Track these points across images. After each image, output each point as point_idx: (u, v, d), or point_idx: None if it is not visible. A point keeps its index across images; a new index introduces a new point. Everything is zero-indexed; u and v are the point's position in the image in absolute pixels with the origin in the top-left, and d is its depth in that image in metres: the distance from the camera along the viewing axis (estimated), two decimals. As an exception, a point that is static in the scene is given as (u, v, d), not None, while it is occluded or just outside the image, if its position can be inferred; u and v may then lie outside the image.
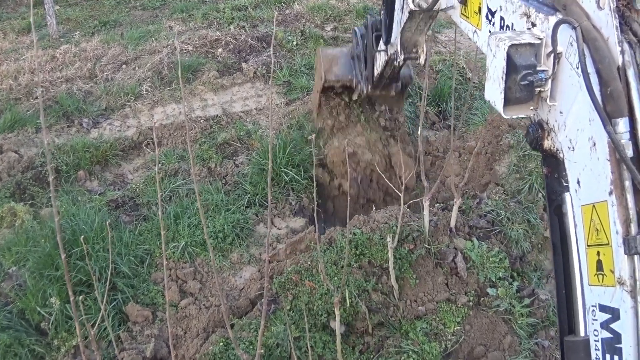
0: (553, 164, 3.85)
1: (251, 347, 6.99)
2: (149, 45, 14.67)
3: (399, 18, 6.96)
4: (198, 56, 14.02)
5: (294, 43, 14.76)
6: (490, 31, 4.39)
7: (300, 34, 15.15)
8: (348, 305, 7.36)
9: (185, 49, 14.29)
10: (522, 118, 4.01)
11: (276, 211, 9.69)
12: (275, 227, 9.43)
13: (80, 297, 7.49)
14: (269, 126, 11.64)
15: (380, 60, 8.43)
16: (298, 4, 17.23)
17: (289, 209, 9.78)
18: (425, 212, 8.28)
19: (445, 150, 10.99)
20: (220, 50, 14.31)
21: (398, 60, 7.51)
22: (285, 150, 10.28)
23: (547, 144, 3.82)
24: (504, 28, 4.21)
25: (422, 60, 7.40)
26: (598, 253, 3.34)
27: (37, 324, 7.84)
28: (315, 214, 5.79)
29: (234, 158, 10.96)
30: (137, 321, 7.93)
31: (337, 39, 15.43)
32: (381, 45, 8.16)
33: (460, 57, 13.86)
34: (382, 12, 7.75)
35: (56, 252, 8.01)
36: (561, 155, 3.69)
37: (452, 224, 8.72)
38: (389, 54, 7.87)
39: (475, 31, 4.85)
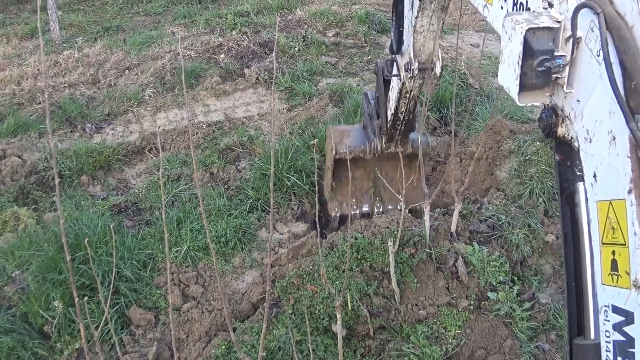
0: (566, 151, 3.66)
1: (253, 351, 7.01)
2: (152, 51, 14.73)
3: (410, 19, 6.84)
4: (200, 62, 14.07)
5: (296, 49, 14.82)
6: (502, 7, 4.21)
7: (302, 39, 15.22)
8: (350, 308, 7.38)
9: (188, 55, 14.32)
10: (524, 112, 3.96)
11: (278, 216, 9.72)
12: (278, 232, 9.45)
13: (85, 299, 7.56)
14: (271, 132, 11.68)
15: (395, 90, 8.10)
16: (300, 10, 17.31)
17: (290, 213, 9.81)
18: (426, 217, 8.27)
19: (446, 155, 11.01)
20: (222, 55, 14.36)
21: (412, 69, 7.16)
22: (287, 155, 10.31)
23: (560, 131, 3.64)
24: (517, 5, 4.00)
25: (438, 70, 7.15)
26: (613, 252, 3.16)
27: (40, 327, 7.86)
28: (317, 219, 5.79)
29: (237, 163, 11.01)
30: (139, 325, 7.97)
31: (339, 44, 15.50)
32: (394, 69, 7.95)
33: (461, 63, 13.90)
34: (392, 20, 7.66)
35: (59, 256, 8.06)
36: (576, 144, 3.51)
37: (453, 228, 8.72)
38: (402, 65, 7.58)
39: (485, 5, 4.56)
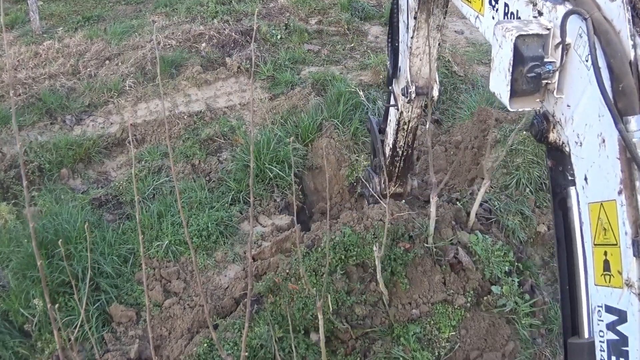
0: (558, 157, 3.76)
1: (235, 348, 6.95)
2: (132, 41, 14.60)
3: (405, 42, 6.80)
4: (182, 51, 13.96)
5: (278, 37, 14.74)
6: (493, 17, 4.30)
7: (284, 27, 15.14)
8: (330, 313, 7.28)
9: (169, 44, 14.22)
10: (512, 112, 3.98)
11: (261, 208, 9.65)
12: (260, 224, 9.38)
13: (61, 299, 7.49)
14: (253, 122, 11.61)
15: (392, 123, 7.99)
16: (282, -3, 17.20)
17: (273, 205, 9.74)
18: (432, 209, 7.98)
19: (431, 144, 10.95)
20: (203, 44, 14.25)
21: (409, 92, 7.01)
22: (270, 146, 10.23)
23: (552, 136, 3.73)
24: (508, 15, 4.10)
25: (435, 94, 7.01)
26: (605, 253, 3.27)
27: (20, 325, 7.80)
28: (294, 216, 5.72)
29: (218, 154, 10.94)
30: (121, 322, 7.90)
31: (321, 32, 15.44)
32: (391, 100, 7.81)
33: (445, 50, 13.84)
34: (387, 45, 7.57)
35: (39, 252, 7.98)
36: (567, 149, 3.60)
37: (474, 212, 8.64)
38: (398, 92, 7.44)
39: (477, 16, 4.68)
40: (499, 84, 3.66)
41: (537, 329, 7.94)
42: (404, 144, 7.96)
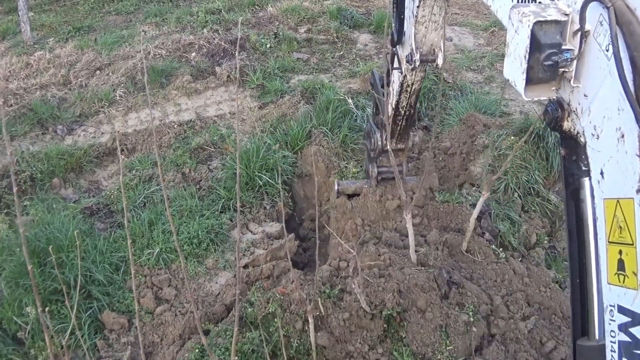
0: (572, 146, 3.55)
1: (227, 354, 6.99)
2: (123, 51, 14.66)
3: (411, 9, 6.66)
4: (172, 60, 14.02)
5: (267, 46, 14.81)
6: None
7: (273, 36, 15.21)
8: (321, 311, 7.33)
9: (159, 54, 14.28)
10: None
11: (250, 216, 9.70)
12: (251, 231, 9.43)
13: (53, 307, 7.53)
14: (243, 130, 11.66)
15: (395, 85, 7.92)
16: (271, 7, 17.26)
17: (263, 213, 9.79)
18: (409, 225, 7.76)
19: (420, 151, 10.99)
20: (193, 54, 14.32)
21: (414, 60, 6.86)
22: (259, 154, 10.29)
23: (566, 125, 3.54)
24: None
25: (440, 61, 6.87)
26: (620, 252, 3.09)
27: (14, 333, 7.83)
28: (283, 224, 5.75)
29: (208, 163, 10.99)
30: (113, 329, 7.95)
31: (310, 40, 15.49)
32: (395, 63, 7.72)
33: (433, 57, 13.90)
34: (392, 9, 7.35)
35: (31, 261, 8.03)
36: (582, 139, 3.41)
37: (474, 216, 8.39)
38: (403, 57, 7.33)
39: None
40: (514, 71, 3.51)
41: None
42: (407, 104, 7.89)
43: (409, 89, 7.58)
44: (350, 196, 9.40)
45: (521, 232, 9.23)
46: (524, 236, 9.25)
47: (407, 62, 7.07)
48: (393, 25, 7.42)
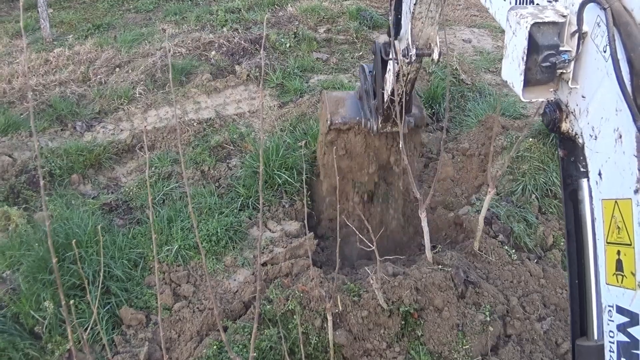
0: (570, 147, 3.59)
1: (244, 350, 6.98)
2: (142, 48, 14.68)
3: (408, 5, 6.71)
4: (191, 59, 14.04)
5: (287, 45, 14.79)
6: None
7: (293, 36, 15.19)
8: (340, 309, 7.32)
9: (179, 52, 14.30)
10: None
11: (269, 214, 9.69)
12: (269, 230, 9.42)
13: (72, 301, 7.52)
14: (262, 129, 11.65)
15: (391, 73, 7.93)
16: (291, 6, 17.27)
17: (282, 211, 9.77)
18: (424, 223, 7.74)
19: (438, 151, 10.97)
20: (213, 52, 14.32)
21: (410, 55, 6.98)
22: (278, 152, 10.28)
23: (564, 126, 3.56)
24: None
25: (435, 56, 6.96)
26: (618, 252, 3.09)
27: (31, 328, 7.82)
28: (305, 222, 5.73)
29: (227, 161, 10.98)
30: (131, 324, 7.94)
31: (330, 40, 15.48)
32: (391, 53, 7.74)
33: (453, 59, 13.89)
34: (390, 4, 7.42)
35: (50, 256, 8.01)
36: (580, 140, 3.42)
37: (483, 214, 8.38)
38: (399, 50, 7.35)
39: None
40: (512, 72, 3.52)
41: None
42: (402, 92, 7.85)
43: (404, 78, 7.62)
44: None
45: (538, 233, 9.18)
46: (541, 238, 9.20)
47: (404, 56, 7.12)
48: (390, 20, 7.42)
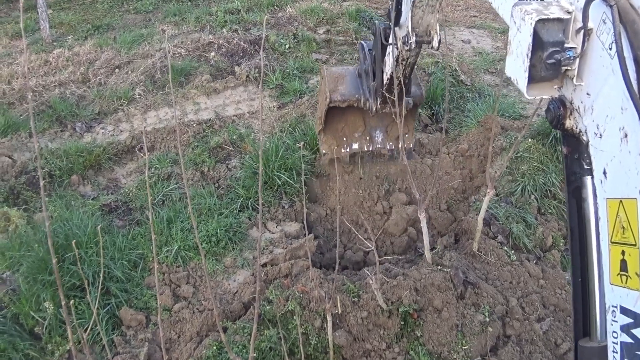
0: (574, 144, 3.56)
1: (244, 351, 6.99)
2: (142, 49, 14.69)
3: None
4: (191, 60, 14.05)
5: (287, 46, 14.80)
6: None
7: (292, 37, 15.20)
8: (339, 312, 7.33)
9: (178, 53, 14.31)
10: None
11: (269, 215, 9.68)
12: (269, 231, 9.41)
13: (71, 302, 7.52)
14: (262, 130, 11.65)
15: (391, 57, 7.98)
16: (291, 7, 17.27)
17: (282, 212, 9.76)
18: (423, 224, 7.78)
19: (438, 152, 10.97)
20: (213, 53, 14.33)
21: (410, 42, 7.08)
22: (278, 153, 10.27)
23: (568, 123, 3.54)
24: None
25: (435, 43, 7.02)
26: (623, 252, 3.09)
27: (31, 328, 7.82)
28: (305, 223, 5.75)
29: (227, 162, 10.97)
30: (130, 325, 7.94)
31: (329, 41, 15.47)
32: (391, 38, 7.79)
33: (452, 59, 13.89)
34: None
35: (49, 256, 8.01)
36: (584, 138, 3.41)
37: (482, 215, 8.36)
38: (399, 37, 7.43)
39: None
40: (516, 69, 3.50)
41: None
42: (402, 75, 7.90)
43: (404, 62, 7.67)
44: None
45: (537, 234, 9.18)
46: (540, 238, 9.19)
47: (404, 43, 7.20)
48: (390, 6, 7.48)
